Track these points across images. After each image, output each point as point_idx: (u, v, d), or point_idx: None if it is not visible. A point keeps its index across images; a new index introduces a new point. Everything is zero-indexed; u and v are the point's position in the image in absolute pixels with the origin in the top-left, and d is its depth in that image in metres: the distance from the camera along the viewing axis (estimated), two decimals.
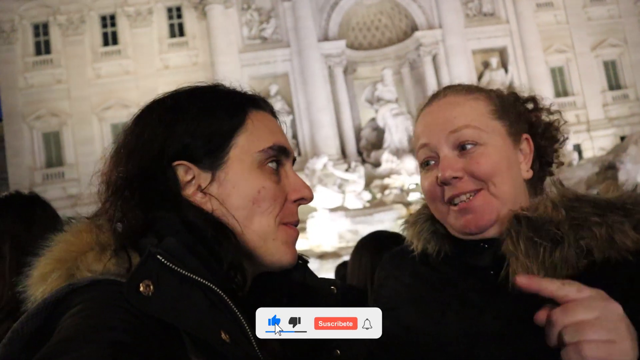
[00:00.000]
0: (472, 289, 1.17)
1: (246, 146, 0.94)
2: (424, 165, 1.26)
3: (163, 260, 0.79)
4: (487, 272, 1.17)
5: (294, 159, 1.03)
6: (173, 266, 0.79)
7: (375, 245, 2.66)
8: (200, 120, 0.93)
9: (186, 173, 0.92)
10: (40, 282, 0.85)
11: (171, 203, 0.89)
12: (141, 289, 0.75)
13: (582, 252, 1.06)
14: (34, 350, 0.69)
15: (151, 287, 0.75)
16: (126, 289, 0.75)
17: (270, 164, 0.96)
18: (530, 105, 1.29)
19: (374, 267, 2.00)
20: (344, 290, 1.07)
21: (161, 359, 0.71)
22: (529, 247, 1.08)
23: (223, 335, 0.76)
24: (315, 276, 1.04)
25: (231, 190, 0.92)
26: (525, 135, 1.25)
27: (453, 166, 1.18)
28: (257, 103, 1.01)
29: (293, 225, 0.98)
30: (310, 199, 0.99)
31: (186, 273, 0.80)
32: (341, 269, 3.96)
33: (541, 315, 0.86)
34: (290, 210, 0.97)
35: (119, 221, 0.88)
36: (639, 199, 1.12)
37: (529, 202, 1.18)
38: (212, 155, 0.93)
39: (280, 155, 0.98)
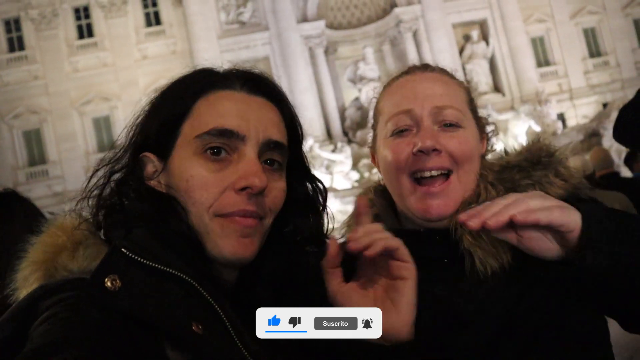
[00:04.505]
0: (436, 280, 1.14)
1: (188, 133, 0.91)
2: (397, 132, 1.22)
3: (128, 253, 0.78)
4: (441, 262, 1.17)
5: (273, 144, 0.93)
6: (139, 258, 0.78)
7: None
8: (152, 113, 0.95)
9: (150, 164, 0.93)
10: (23, 285, 0.84)
11: (138, 193, 0.90)
12: (108, 284, 0.73)
13: None
14: (8, 357, 0.69)
15: (117, 281, 0.74)
16: (90, 286, 0.74)
17: (209, 150, 0.89)
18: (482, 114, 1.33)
19: None
20: None
21: (133, 355, 0.70)
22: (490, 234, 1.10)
23: (195, 326, 0.75)
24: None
25: (174, 179, 0.90)
26: (485, 136, 1.30)
27: (436, 137, 1.18)
28: (217, 84, 0.96)
29: (240, 216, 0.88)
30: (257, 187, 0.86)
31: (154, 265, 0.78)
32: None
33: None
34: (230, 201, 0.87)
35: (92, 217, 0.89)
36: (548, 149, 1.22)
37: (469, 192, 1.20)
38: (163, 146, 0.92)
39: (226, 139, 0.89)
